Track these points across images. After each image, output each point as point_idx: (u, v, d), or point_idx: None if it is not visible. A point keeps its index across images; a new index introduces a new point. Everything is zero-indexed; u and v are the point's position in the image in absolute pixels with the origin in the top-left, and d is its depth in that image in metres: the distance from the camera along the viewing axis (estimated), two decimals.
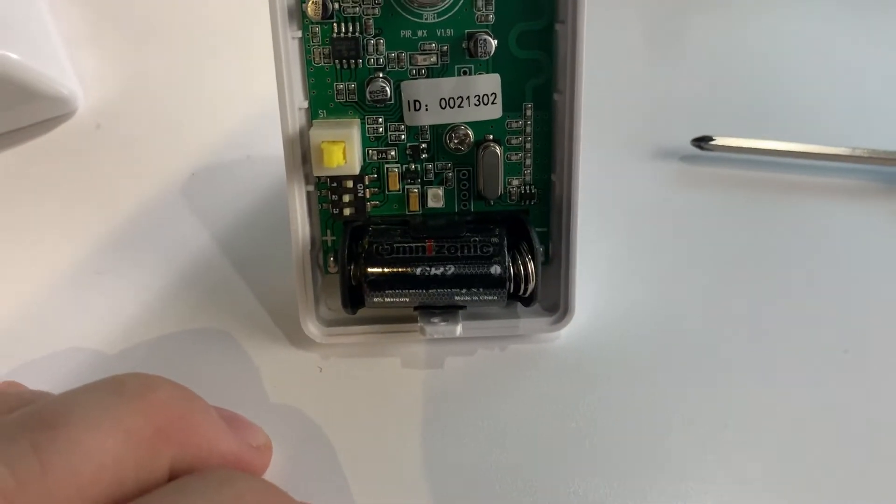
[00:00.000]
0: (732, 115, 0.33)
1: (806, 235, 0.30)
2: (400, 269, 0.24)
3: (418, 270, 0.24)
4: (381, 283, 0.24)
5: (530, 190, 0.26)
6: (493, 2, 0.24)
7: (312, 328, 0.26)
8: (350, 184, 0.25)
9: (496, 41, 0.24)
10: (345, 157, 0.23)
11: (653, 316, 0.27)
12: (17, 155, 0.33)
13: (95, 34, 0.36)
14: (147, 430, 0.18)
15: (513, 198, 0.26)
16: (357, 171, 0.24)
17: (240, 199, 0.31)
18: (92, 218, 0.31)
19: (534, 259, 0.24)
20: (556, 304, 0.27)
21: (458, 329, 0.25)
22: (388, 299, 0.24)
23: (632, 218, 0.30)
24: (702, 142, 0.31)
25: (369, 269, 0.24)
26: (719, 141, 0.31)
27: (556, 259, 0.26)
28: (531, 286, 0.25)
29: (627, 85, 0.34)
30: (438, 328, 0.25)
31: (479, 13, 0.24)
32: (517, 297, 0.25)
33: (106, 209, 0.31)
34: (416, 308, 0.25)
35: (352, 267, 0.25)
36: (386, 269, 0.24)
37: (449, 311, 0.25)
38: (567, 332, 0.27)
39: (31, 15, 0.35)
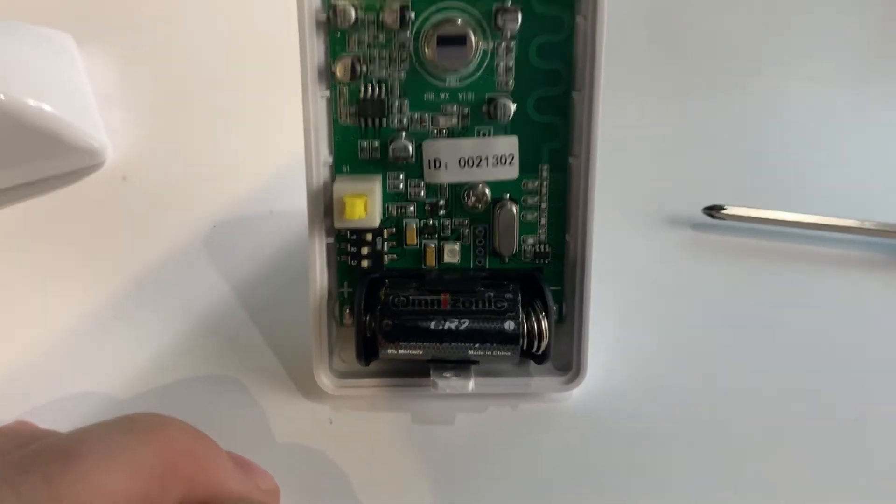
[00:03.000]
0: (744, 184, 0.34)
1: (815, 305, 0.30)
2: (415, 321, 0.24)
3: (432, 323, 0.24)
4: (395, 335, 0.24)
5: (545, 249, 0.26)
6: (513, 69, 0.25)
7: (325, 379, 0.26)
8: (369, 237, 0.26)
9: (515, 106, 0.25)
10: (366, 211, 0.24)
11: (664, 381, 0.28)
12: (46, 203, 0.33)
13: (127, 91, 0.37)
14: (157, 466, 0.18)
15: (527, 256, 0.26)
16: (377, 224, 0.25)
17: (260, 252, 0.31)
18: (113, 266, 0.31)
19: (547, 316, 0.25)
20: (568, 364, 0.27)
21: (471, 384, 0.25)
22: (401, 351, 0.25)
23: (644, 283, 0.31)
24: (713, 210, 0.32)
25: (384, 320, 0.24)
26: (730, 210, 0.32)
27: (569, 318, 0.27)
28: (544, 343, 0.25)
29: (641, 152, 0.35)
30: (451, 383, 0.25)
31: (499, 79, 0.25)
32: (530, 354, 0.25)
33: (127, 258, 0.31)
34: (428, 361, 0.26)
35: (367, 318, 0.25)
36: (401, 321, 0.24)
37: (461, 367, 0.26)
38: (579, 393, 0.27)
39: (67, 71, 0.37)
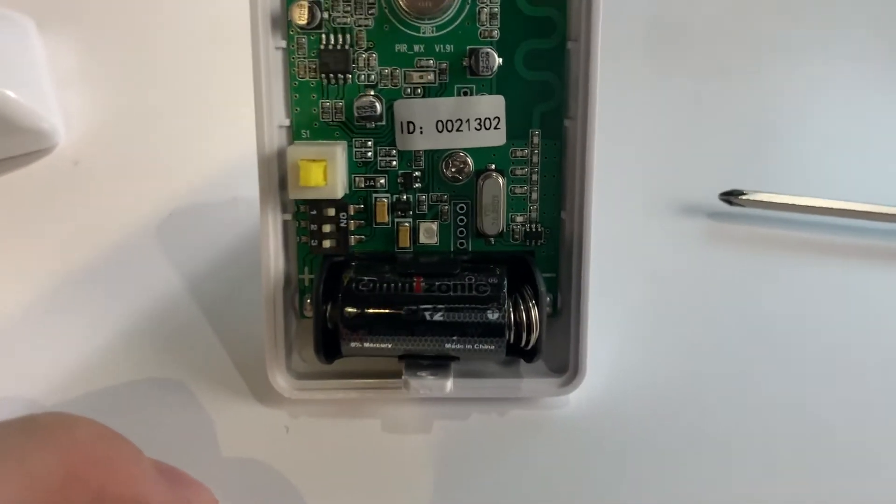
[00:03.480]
0: (765, 168, 0.30)
1: (845, 301, 0.26)
2: (382, 309, 0.21)
3: (403, 311, 0.21)
4: (359, 324, 0.21)
5: (536, 228, 0.23)
6: (499, 16, 0.21)
7: (281, 380, 0.23)
8: (332, 212, 0.22)
9: (501, 59, 0.21)
10: (325, 178, 0.21)
11: (674, 385, 0.24)
12: None
13: (84, 72, 0.34)
14: (57, 475, 0.15)
15: (516, 237, 0.23)
16: (339, 194, 0.21)
17: (218, 242, 0.28)
18: (58, 255, 0.28)
19: (538, 304, 0.21)
20: (564, 364, 0.23)
21: (449, 384, 0.22)
22: (367, 344, 0.21)
23: (653, 276, 0.27)
24: (731, 196, 0.28)
25: (347, 308, 0.21)
26: (751, 196, 0.28)
27: (566, 311, 0.23)
28: (534, 336, 0.21)
29: (652, 133, 0.31)
30: (425, 383, 0.22)
31: (482, 28, 0.21)
32: (518, 349, 0.21)
33: (74, 247, 0.28)
34: (401, 358, 0.22)
35: (328, 307, 0.21)
36: (366, 309, 0.21)
37: (439, 364, 0.22)
38: (577, 398, 0.23)
39: (21, 49, 0.34)
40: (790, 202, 0.28)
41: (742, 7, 0.37)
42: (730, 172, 0.30)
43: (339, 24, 0.21)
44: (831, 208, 0.28)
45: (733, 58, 0.35)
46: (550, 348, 0.23)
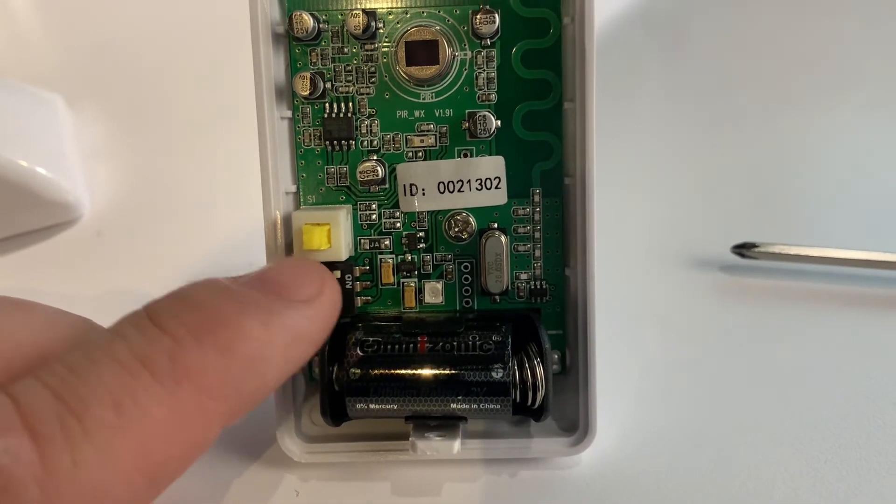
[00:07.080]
0: (779, 219, 0.30)
1: (862, 354, 0.25)
2: (385, 370, 0.21)
3: (407, 371, 0.21)
4: (363, 388, 0.21)
5: (541, 285, 0.23)
6: (496, 80, 0.22)
7: (290, 444, 0.23)
8: (337, 274, 0.22)
9: (499, 121, 0.22)
10: (329, 241, 0.21)
11: (689, 444, 0.23)
12: (15, 260, 0.31)
13: (109, 146, 0.36)
14: (196, 415, 0.16)
15: (521, 294, 0.23)
16: (343, 256, 0.22)
17: None
18: None
19: (543, 362, 0.21)
20: (574, 423, 0.23)
21: (456, 445, 0.21)
22: (373, 405, 0.21)
23: (665, 331, 0.27)
24: (744, 248, 0.28)
25: (351, 369, 0.21)
26: (764, 248, 0.28)
27: (574, 369, 0.23)
28: (540, 394, 0.21)
29: (662, 186, 0.31)
30: (432, 444, 0.21)
31: (480, 92, 0.22)
32: (526, 408, 0.21)
33: (95, 313, 0.29)
34: (408, 420, 0.22)
35: (334, 369, 0.21)
36: (370, 370, 0.21)
37: (447, 425, 0.22)
38: (589, 457, 0.23)
39: (49, 125, 0.35)
40: (804, 254, 0.28)
41: (753, 57, 0.37)
42: (742, 224, 0.30)
43: (341, 93, 0.22)
44: (846, 259, 0.28)
45: (744, 108, 0.35)
46: (560, 407, 0.23)
